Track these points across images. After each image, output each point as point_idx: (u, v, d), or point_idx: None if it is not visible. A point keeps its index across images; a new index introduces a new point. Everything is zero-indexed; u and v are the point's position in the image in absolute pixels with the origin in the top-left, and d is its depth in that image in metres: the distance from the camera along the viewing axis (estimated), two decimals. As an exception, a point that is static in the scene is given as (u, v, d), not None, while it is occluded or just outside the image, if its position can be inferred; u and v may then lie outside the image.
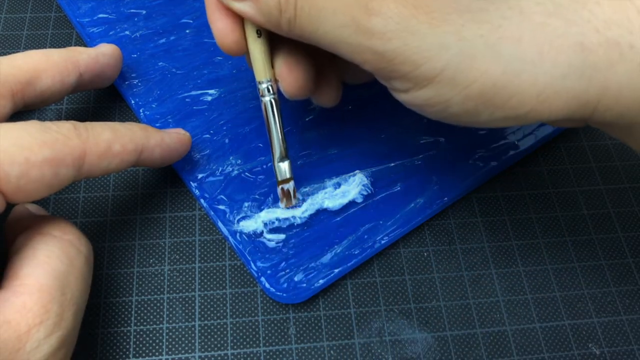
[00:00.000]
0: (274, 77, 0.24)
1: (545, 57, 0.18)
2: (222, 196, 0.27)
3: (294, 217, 0.27)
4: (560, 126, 0.29)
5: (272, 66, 0.24)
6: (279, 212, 0.27)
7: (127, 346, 0.25)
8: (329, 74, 0.26)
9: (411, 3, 0.18)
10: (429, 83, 0.19)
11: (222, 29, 0.23)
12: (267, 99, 0.24)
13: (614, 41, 0.17)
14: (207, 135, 0.29)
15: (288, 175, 0.26)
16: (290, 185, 0.26)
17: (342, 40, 0.19)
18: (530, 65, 0.18)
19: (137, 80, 0.30)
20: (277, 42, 0.24)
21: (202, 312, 0.26)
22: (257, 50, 0.23)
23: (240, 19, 0.23)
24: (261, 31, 0.23)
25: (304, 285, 0.26)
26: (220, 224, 0.27)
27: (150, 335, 0.25)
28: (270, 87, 0.24)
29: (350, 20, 0.18)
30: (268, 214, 0.27)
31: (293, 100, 0.25)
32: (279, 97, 0.25)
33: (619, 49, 0.17)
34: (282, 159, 0.26)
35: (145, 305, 0.26)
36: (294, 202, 0.27)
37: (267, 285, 0.26)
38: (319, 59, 0.24)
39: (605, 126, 0.20)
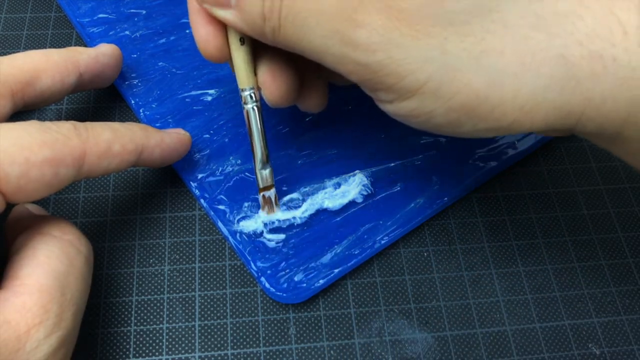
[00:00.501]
0: (256, 84, 0.24)
1: (527, 69, 0.18)
2: (222, 196, 0.27)
3: (294, 217, 0.27)
4: (546, 135, 0.30)
5: (255, 73, 0.24)
6: (279, 213, 0.27)
7: (127, 346, 0.25)
8: (314, 80, 0.25)
9: (395, 16, 0.18)
10: (413, 95, 0.19)
11: (204, 36, 0.23)
12: (250, 106, 0.24)
13: (597, 54, 0.18)
14: (207, 135, 0.29)
15: (269, 183, 0.26)
16: (271, 193, 0.26)
17: (326, 51, 0.19)
18: (512, 78, 0.18)
19: (137, 80, 0.30)
20: (260, 49, 0.23)
21: (202, 312, 0.26)
22: (239, 58, 0.23)
23: (223, 26, 0.23)
24: (244, 39, 0.23)
25: (304, 285, 0.26)
26: (220, 224, 0.27)
27: (150, 335, 0.25)
28: (252, 95, 0.24)
29: (334, 31, 0.18)
30: (268, 214, 0.27)
31: (275, 108, 0.25)
32: (262, 104, 0.25)
33: (602, 62, 0.18)
34: (263, 166, 0.26)
35: (145, 305, 0.26)
36: (275, 209, 0.27)
37: (267, 285, 0.26)
38: (304, 64, 0.24)
39: (590, 136, 0.20)
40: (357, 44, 0.18)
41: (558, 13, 0.18)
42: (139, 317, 0.25)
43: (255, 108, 0.24)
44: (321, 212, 0.27)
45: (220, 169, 0.28)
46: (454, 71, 0.18)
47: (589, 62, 0.18)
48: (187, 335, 0.25)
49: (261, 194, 0.26)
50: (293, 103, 0.25)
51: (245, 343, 0.25)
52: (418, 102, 0.19)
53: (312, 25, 0.19)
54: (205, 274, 0.26)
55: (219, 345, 0.25)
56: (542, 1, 0.18)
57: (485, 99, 0.18)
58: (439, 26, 0.18)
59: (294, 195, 0.28)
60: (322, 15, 0.18)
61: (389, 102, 0.20)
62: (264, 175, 0.26)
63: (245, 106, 0.24)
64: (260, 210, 0.27)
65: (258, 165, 0.26)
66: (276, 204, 0.27)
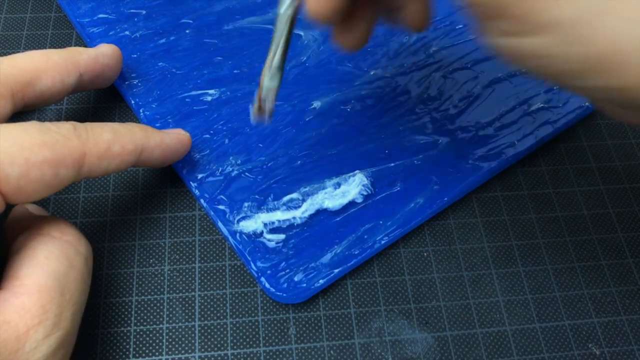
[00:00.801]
0: None
1: None
2: (222, 196, 0.27)
3: (294, 217, 0.27)
4: None
5: None
6: (279, 214, 0.27)
7: (127, 346, 0.25)
8: (365, 11, 0.22)
9: None
10: (546, 31, 0.16)
11: None
12: (285, 10, 0.22)
13: None
14: (207, 135, 0.29)
15: (274, 85, 0.24)
16: (269, 98, 0.24)
17: None
18: None
19: (137, 80, 0.30)
20: None
21: (202, 312, 0.26)
22: None
23: None
24: None
25: (304, 285, 0.26)
26: (220, 224, 0.27)
27: (150, 335, 0.25)
28: None
29: None
30: (268, 215, 0.27)
31: (313, 22, 0.22)
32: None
33: None
34: (272, 76, 0.23)
35: (145, 305, 0.26)
36: (265, 118, 0.24)
37: (267, 285, 0.26)
38: None
39: None
40: None
41: None
42: (139, 317, 0.25)
43: (290, 12, 0.22)
44: (321, 212, 0.27)
45: (220, 169, 0.28)
46: (604, 15, 0.16)
47: None
48: (187, 335, 0.25)
49: (258, 102, 0.24)
50: (333, 22, 0.22)
51: (245, 343, 0.25)
52: (548, 42, 0.16)
53: None
54: (205, 274, 0.26)
55: (219, 345, 0.25)
56: None
57: (630, 53, 0.16)
58: None
59: (294, 195, 0.28)
60: None
61: (509, 34, 0.17)
62: (269, 85, 0.23)
63: (280, 10, 0.22)
64: (251, 109, 0.25)
65: (267, 72, 0.23)
66: (267, 114, 0.24)
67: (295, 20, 0.22)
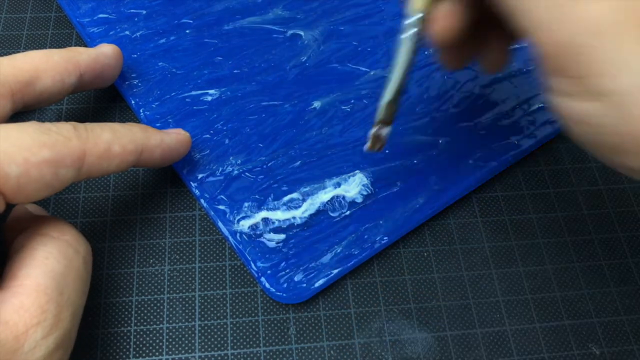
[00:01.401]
0: (428, 13, 0.22)
1: None
2: (222, 196, 0.27)
3: (294, 217, 0.27)
4: None
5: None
6: (279, 213, 0.27)
7: (127, 346, 0.25)
8: (498, 37, 0.23)
9: (631, 7, 0.15)
10: (601, 99, 0.16)
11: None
12: (409, 34, 0.22)
13: None
14: (207, 135, 0.29)
15: (389, 118, 0.24)
16: (386, 131, 0.25)
17: (530, 9, 0.16)
18: None
19: (137, 80, 0.30)
20: None
21: (202, 312, 0.26)
22: None
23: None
24: None
25: (304, 285, 0.26)
26: (220, 224, 0.27)
27: (150, 335, 0.25)
28: (419, 21, 0.22)
29: None
30: (268, 214, 0.27)
31: (439, 46, 0.22)
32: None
33: None
34: (392, 100, 0.24)
35: (145, 305, 0.26)
36: (378, 147, 0.25)
37: (267, 285, 0.26)
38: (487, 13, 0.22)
39: None
40: (577, 17, 0.16)
41: None
42: (139, 317, 0.25)
43: (415, 36, 0.22)
44: (321, 212, 0.27)
45: (220, 169, 0.28)
46: None
47: None
48: (187, 335, 0.25)
49: (375, 127, 0.24)
50: (457, 43, 0.22)
51: (245, 343, 0.25)
52: (601, 110, 0.16)
53: None
54: (205, 274, 0.26)
55: (219, 345, 0.25)
56: None
57: None
58: None
59: (294, 195, 0.28)
60: None
61: (566, 95, 0.17)
62: (388, 108, 0.24)
63: (404, 34, 0.22)
64: (366, 145, 0.25)
65: (387, 95, 0.23)
66: (383, 144, 0.25)
67: (418, 48, 0.23)
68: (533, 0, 0.17)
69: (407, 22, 0.22)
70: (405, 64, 0.23)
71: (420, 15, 0.22)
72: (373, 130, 0.25)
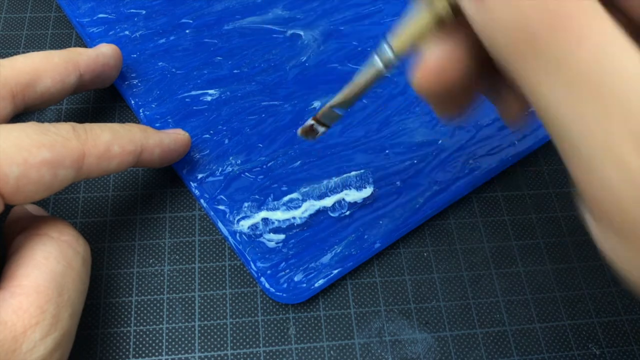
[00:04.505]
0: (403, 52, 0.19)
1: None
2: (222, 196, 0.27)
3: (294, 217, 0.27)
4: None
5: (414, 44, 0.19)
6: (279, 213, 0.27)
7: (127, 346, 0.25)
8: (471, 88, 0.20)
9: None
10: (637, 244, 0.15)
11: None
12: (378, 65, 0.20)
13: None
14: (207, 135, 0.29)
15: (327, 123, 0.23)
16: (321, 130, 0.24)
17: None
18: None
19: (137, 80, 0.30)
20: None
21: (202, 312, 0.26)
22: (423, 18, 0.18)
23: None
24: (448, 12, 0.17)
25: (304, 285, 0.26)
26: (220, 224, 0.27)
27: (150, 335, 0.25)
28: (391, 57, 0.19)
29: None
30: (268, 214, 0.27)
31: (426, 97, 0.19)
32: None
33: None
34: (337, 107, 0.22)
35: (145, 306, 0.26)
36: (309, 138, 0.24)
37: (267, 285, 0.26)
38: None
39: None
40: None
41: None
42: (138, 317, 0.25)
43: (382, 69, 0.20)
44: (321, 212, 0.27)
45: (220, 169, 0.28)
46: None
47: None
48: (187, 336, 0.25)
49: (312, 121, 0.23)
50: (439, 99, 0.20)
51: (245, 343, 0.25)
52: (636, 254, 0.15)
53: None
54: (205, 274, 0.26)
55: (218, 346, 0.25)
56: None
57: None
58: None
59: (294, 195, 0.28)
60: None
61: (602, 233, 0.16)
62: (331, 113, 0.23)
63: (375, 60, 0.20)
64: (299, 129, 0.24)
65: (333, 100, 0.22)
66: (313, 137, 0.24)
67: (377, 80, 0.21)
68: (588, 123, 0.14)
69: (376, 57, 0.20)
70: (359, 87, 0.21)
71: (392, 57, 0.19)
72: (309, 122, 0.24)
